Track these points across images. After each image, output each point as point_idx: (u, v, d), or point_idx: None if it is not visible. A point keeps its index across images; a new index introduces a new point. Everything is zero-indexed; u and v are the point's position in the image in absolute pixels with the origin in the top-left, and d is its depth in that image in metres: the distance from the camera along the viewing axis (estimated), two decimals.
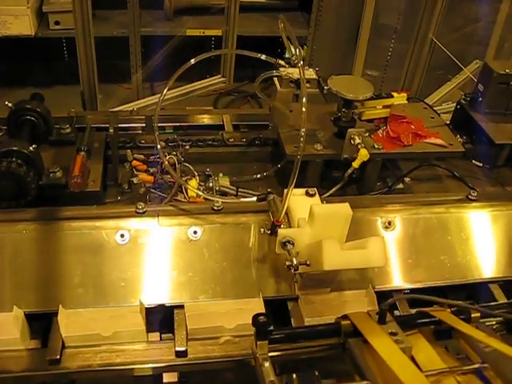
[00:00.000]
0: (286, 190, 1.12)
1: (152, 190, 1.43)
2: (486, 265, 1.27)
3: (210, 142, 1.58)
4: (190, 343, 1.07)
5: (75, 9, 2.36)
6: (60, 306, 1.07)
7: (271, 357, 0.93)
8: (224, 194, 1.44)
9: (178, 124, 1.66)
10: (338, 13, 3.41)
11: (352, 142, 1.40)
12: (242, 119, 1.74)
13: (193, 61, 1.28)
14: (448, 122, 1.66)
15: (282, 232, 1.09)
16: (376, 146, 1.45)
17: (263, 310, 1.10)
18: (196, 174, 1.47)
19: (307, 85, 1.35)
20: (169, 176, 1.43)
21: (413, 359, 0.91)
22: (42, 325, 1.10)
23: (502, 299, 1.22)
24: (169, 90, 1.27)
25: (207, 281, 1.16)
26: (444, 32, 3.01)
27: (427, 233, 1.28)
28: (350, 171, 1.43)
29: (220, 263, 1.18)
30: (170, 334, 1.11)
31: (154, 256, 1.17)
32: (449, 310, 1.02)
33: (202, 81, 3.52)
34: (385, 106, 1.53)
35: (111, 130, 1.42)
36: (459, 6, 3.18)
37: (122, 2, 3.20)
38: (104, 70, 2.78)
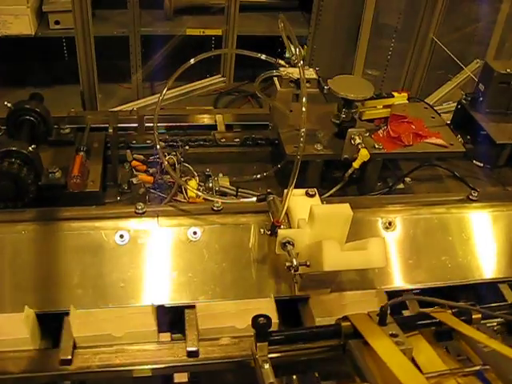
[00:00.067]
0: (285, 191, 1.12)
1: (151, 191, 1.43)
2: (487, 265, 1.27)
3: (202, 143, 1.57)
4: (201, 343, 1.07)
5: (75, 8, 2.36)
6: (71, 306, 1.07)
7: (271, 358, 0.93)
8: (224, 194, 1.44)
9: (170, 124, 1.65)
10: (338, 12, 3.41)
11: (352, 142, 1.40)
12: (241, 119, 1.73)
13: (192, 60, 1.28)
14: (449, 122, 1.66)
15: (282, 232, 1.09)
16: (376, 146, 1.44)
17: (274, 311, 1.10)
18: (196, 174, 1.47)
19: (307, 84, 1.35)
20: (168, 176, 1.43)
21: (413, 361, 0.91)
22: (40, 325, 1.09)
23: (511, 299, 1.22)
24: (169, 89, 1.26)
25: (207, 281, 1.15)
26: (444, 32, 3.01)
27: (428, 233, 1.27)
28: (350, 171, 1.43)
29: (220, 264, 1.17)
30: (180, 335, 1.11)
31: (153, 257, 1.17)
32: (449, 311, 1.02)
33: (202, 80, 3.52)
34: (385, 106, 1.53)
35: (110, 130, 1.41)
36: (460, 6, 3.17)
37: (121, 1, 3.20)
38: (104, 70, 2.78)
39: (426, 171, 1.58)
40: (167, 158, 1.43)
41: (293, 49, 1.36)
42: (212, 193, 1.42)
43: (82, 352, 1.04)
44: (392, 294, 1.16)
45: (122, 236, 1.16)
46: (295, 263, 1.04)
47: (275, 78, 1.47)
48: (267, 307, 1.11)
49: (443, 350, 1.00)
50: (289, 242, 1.08)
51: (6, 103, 1.38)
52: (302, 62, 1.23)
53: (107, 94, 3.22)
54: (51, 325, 1.09)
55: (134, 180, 1.44)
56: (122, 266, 1.15)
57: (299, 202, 1.16)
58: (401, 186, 1.54)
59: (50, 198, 1.28)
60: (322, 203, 1.19)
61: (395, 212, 1.29)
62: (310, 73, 1.43)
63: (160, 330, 1.10)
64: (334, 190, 1.46)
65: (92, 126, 1.51)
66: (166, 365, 1.05)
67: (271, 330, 0.94)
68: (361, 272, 1.18)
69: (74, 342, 1.04)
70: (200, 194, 1.35)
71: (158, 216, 1.21)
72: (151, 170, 1.47)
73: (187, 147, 1.52)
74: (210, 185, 1.44)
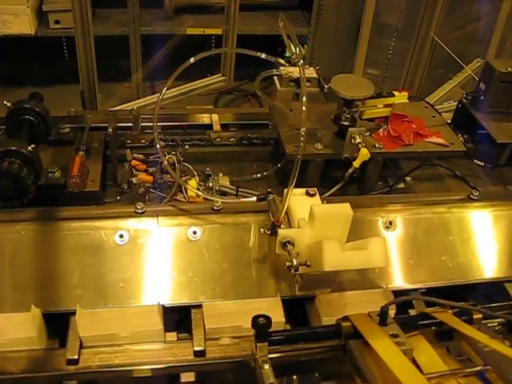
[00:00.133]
0: (286, 190, 1.11)
1: (151, 190, 1.42)
2: (488, 265, 1.26)
3: (196, 142, 1.56)
4: (208, 343, 1.07)
5: (74, 8, 2.35)
6: (78, 306, 1.07)
7: (271, 358, 0.92)
8: (224, 193, 1.43)
9: (167, 123, 1.64)
10: (338, 11, 3.40)
11: (353, 141, 1.39)
12: (240, 118, 1.73)
13: (192, 59, 1.27)
14: (449, 121, 1.65)
15: (282, 232, 1.09)
16: (377, 146, 1.44)
17: (281, 310, 1.09)
18: (195, 173, 1.46)
19: (307, 84, 1.34)
20: (168, 176, 1.43)
21: (414, 361, 0.90)
22: None
23: None
24: (169, 89, 1.26)
25: (207, 281, 1.15)
26: (445, 30, 3.00)
27: (428, 233, 1.27)
28: (350, 171, 1.43)
29: (220, 264, 1.17)
30: (186, 334, 1.11)
31: (153, 256, 1.17)
32: (450, 311, 1.01)
33: (203, 80, 3.52)
34: (386, 105, 1.52)
35: (110, 130, 1.41)
36: (460, 5, 3.17)
37: (121, 0, 3.20)
38: (104, 69, 2.78)
39: (426, 170, 1.57)
40: (167, 157, 1.42)
41: (293, 48, 1.36)
42: (212, 192, 1.42)
43: (88, 352, 1.04)
44: (395, 294, 1.16)
45: (121, 236, 1.16)
46: (295, 263, 1.03)
47: (275, 77, 1.46)
48: (274, 306, 1.10)
49: (444, 351, 1.00)
50: (289, 242, 1.08)
51: (5, 103, 1.38)
52: (302, 61, 1.23)
53: (107, 94, 3.21)
54: (51, 324, 1.09)
55: (134, 179, 1.44)
56: (122, 265, 1.14)
57: (299, 201, 1.16)
58: (401, 185, 1.54)
59: (50, 197, 1.28)
60: (323, 203, 1.19)
61: (396, 211, 1.29)
62: (310, 72, 1.42)
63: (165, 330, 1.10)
64: (335, 189, 1.46)
65: (92, 126, 1.51)
66: (172, 364, 1.04)
67: (271, 330, 0.93)
68: (361, 272, 1.18)
69: (80, 341, 1.04)
70: (200, 193, 1.35)
71: (157, 216, 1.21)
72: (151, 170, 1.46)
73: (187, 146, 1.52)
74: (210, 184, 1.44)
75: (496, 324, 1.07)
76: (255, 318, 0.92)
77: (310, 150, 1.41)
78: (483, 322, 1.01)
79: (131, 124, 1.60)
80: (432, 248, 1.25)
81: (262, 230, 1.19)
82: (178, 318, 1.14)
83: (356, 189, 1.52)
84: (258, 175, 1.51)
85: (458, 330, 0.97)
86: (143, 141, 1.54)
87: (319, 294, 1.15)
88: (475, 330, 0.97)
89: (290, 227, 1.13)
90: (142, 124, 1.61)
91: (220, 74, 3.59)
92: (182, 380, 1.04)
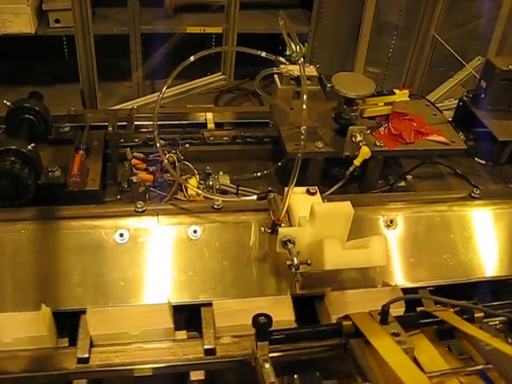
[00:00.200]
0: (286, 189, 1.11)
1: (152, 189, 1.42)
2: (489, 263, 1.26)
3: (190, 141, 1.55)
4: (218, 341, 1.07)
5: (74, 7, 2.35)
6: (88, 305, 1.07)
7: (272, 357, 0.92)
8: (224, 192, 1.43)
9: (162, 122, 1.63)
10: (338, 10, 3.40)
11: (353, 139, 1.39)
12: (239, 117, 1.72)
13: (192, 58, 1.26)
14: (450, 119, 1.65)
15: (283, 231, 1.08)
16: (378, 144, 1.44)
17: (291, 308, 1.09)
18: (196, 172, 1.46)
19: (308, 82, 1.34)
20: (168, 174, 1.42)
21: (415, 360, 0.90)
22: None
23: None
24: (169, 87, 1.25)
25: (207, 280, 1.15)
26: (446, 28, 3.00)
27: (429, 231, 1.27)
28: (351, 169, 1.42)
29: (220, 262, 1.17)
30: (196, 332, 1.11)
31: (153, 255, 1.16)
32: (452, 309, 1.01)
33: (203, 78, 3.52)
34: (386, 104, 1.52)
35: (110, 129, 1.41)
36: (461, 2, 3.17)
37: None
38: (104, 68, 2.78)
39: (427, 169, 1.57)
40: (167, 156, 1.42)
41: (293, 46, 1.36)
42: (212, 191, 1.41)
43: (98, 350, 1.04)
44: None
45: (121, 235, 1.16)
46: (296, 262, 1.03)
47: (276, 76, 1.46)
48: (284, 305, 1.10)
49: (445, 349, 1.00)
50: (289, 241, 1.07)
51: (5, 102, 1.38)
52: (302, 60, 1.22)
53: (107, 93, 3.21)
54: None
55: (134, 178, 1.43)
56: (122, 264, 1.14)
57: (300, 200, 1.16)
58: (402, 183, 1.53)
59: (50, 196, 1.28)
60: (323, 201, 1.18)
61: (397, 210, 1.28)
62: (311, 70, 1.42)
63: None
64: (335, 187, 1.45)
65: (92, 125, 1.51)
66: (182, 363, 1.04)
67: (272, 329, 0.93)
68: (362, 270, 1.18)
69: (90, 340, 1.04)
70: (200, 192, 1.34)
71: (158, 214, 1.20)
72: (151, 169, 1.46)
73: (187, 145, 1.51)
74: (211, 183, 1.44)
75: (498, 322, 1.07)
76: (256, 317, 0.92)
77: (310, 148, 1.41)
78: (485, 320, 1.01)
79: (139, 123, 1.60)
80: (433, 246, 1.25)
81: (262, 228, 1.18)
82: (187, 317, 1.14)
83: (357, 187, 1.51)
84: (259, 174, 1.51)
85: (460, 329, 0.97)
86: (136, 139, 1.53)
87: (328, 292, 1.15)
88: (477, 328, 0.97)
89: (291, 226, 1.13)
90: (142, 123, 1.61)
91: (220, 73, 3.59)
92: (192, 378, 1.04)
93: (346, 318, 0.97)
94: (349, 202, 1.08)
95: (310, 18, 3.45)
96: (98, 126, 1.52)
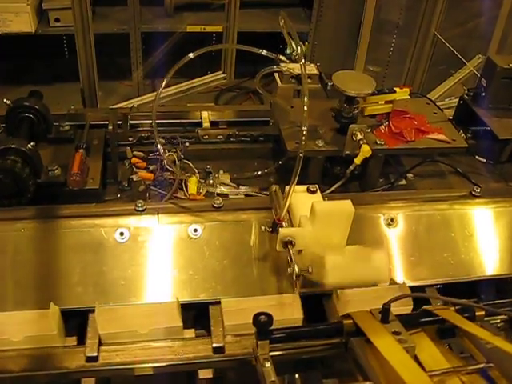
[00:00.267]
0: (287, 187, 1.11)
1: (152, 188, 1.42)
2: (490, 262, 1.26)
3: (185, 140, 1.55)
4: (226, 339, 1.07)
5: (74, 6, 2.35)
6: (97, 303, 1.06)
7: (272, 356, 0.92)
8: None
9: (158, 121, 1.62)
10: (339, 8, 3.40)
11: (354, 137, 1.39)
12: (240, 116, 1.72)
13: (191, 55, 1.26)
14: (451, 118, 1.65)
15: (283, 232, 1.08)
16: (378, 142, 1.43)
17: (299, 306, 1.09)
18: (196, 171, 1.46)
19: (308, 80, 1.34)
20: (169, 173, 1.42)
21: (416, 359, 0.90)
22: None
23: None
24: (169, 86, 1.25)
25: (208, 279, 1.15)
26: (446, 27, 3.00)
27: (430, 230, 1.26)
28: (351, 167, 1.42)
29: (221, 261, 1.17)
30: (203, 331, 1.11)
31: (153, 254, 1.16)
32: (452, 308, 1.01)
33: (203, 77, 3.51)
34: (387, 102, 1.52)
35: (110, 127, 1.41)
36: (461, 1, 3.16)
37: None
38: (104, 67, 2.78)
39: (428, 167, 1.57)
40: (167, 154, 1.42)
41: (294, 45, 1.35)
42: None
43: (107, 349, 1.04)
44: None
45: (122, 234, 1.16)
46: (297, 270, 1.03)
47: (276, 74, 1.45)
48: (292, 303, 1.10)
49: (446, 348, 0.99)
50: (290, 242, 1.07)
51: (4, 100, 1.38)
52: (303, 60, 1.22)
53: (108, 92, 3.21)
54: None
55: (134, 177, 1.43)
56: (123, 263, 1.14)
57: (301, 198, 1.15)
58: (403, 182, 1.53)
59: (50, 195, 1.28)
60: (324, 200, 1.18)
61: (397, 208, 1.28)
62: (311, 68, 1.42)
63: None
64: (336, 186, 1.45)
65: (92, 124, 1.51)
66: (192, 361, 1.04)
67: (272, 327, 0.93)
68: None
69: (99, 338, 1.04)
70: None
71: (158, 213, 1.20)
72: (151, 167, 1.46)
73: (187, 144, 1.51)
74: (211, 182, 1.43)
75: (499, 321, 1.06)
76: (256, 316, 0.92)
77: (311, 146, 1.40)
78: (486, 318, 1.01)
79: (131, 121, 1.60)
80: (434, 245, 1.25)
81: (263, 227, 1.18)
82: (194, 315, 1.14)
83: (357, 186, 1.51)
84: (259, 172, 1.51)
85: (461, 327, 0.96)
86: (131, 138, 1.53)
87: (337, 290, 1.13)
88: (478, 327, 0.96)
89: (291, 224, 1.13)
90: (139, 122, 1.60)
91: (221, 72, 3.58)
92: (200, 376, 1.04)
93: (347, 316, 0.97)
94: (349, 201, 1.08)
95: (311, 17, 3.45)
96: (98, 125, 1.52)
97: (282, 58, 1.41)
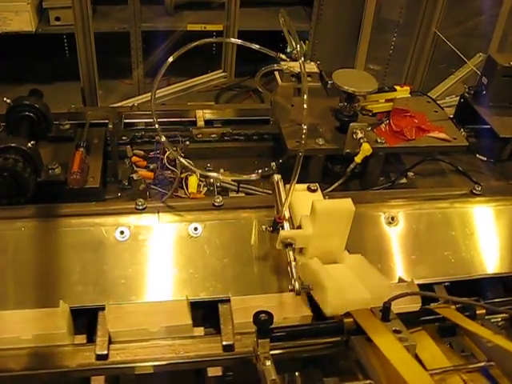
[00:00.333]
0: (288, 186, 1.10)
1: (152, 186, 1.42)
2: (491, 260, 1.26)
3: (178, 138, 1.54)
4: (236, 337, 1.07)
5: (74, 5, 2.35)
6: (106, 301, 1.07)
7: (273, 355, 0.92)
8: (225, 189, 1.43)
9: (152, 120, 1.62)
10: (339, 7, 3.39)
11: (354, 136, 1.38)
12: (242, 114, 1.72)
13: (171, 59, 1.25)
14: (451, 116, 1.64)
15: (283, 234, 1.08)
16: (379, 141, 1.43)
17: (306, 304, 1.09)
18: (196, 169, 1.45)
19: (309, 78, 1.34)
20: (169, 172, 1.42)
21: (417, 357, 0.90)
22: None
23: None
24: (170, 85, 1.25)
25: (208, 277, 1.15)
26: (447, 25, 2.99)
27: (431, 228, 1.26)
28: (352, 166, 1.42)
29: (221, 260, 1.17)
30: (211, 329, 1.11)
31: (154, 253, 1.16)
32: (453, 306, 1.01)
33: (203, 76, 3.51)
34: (387, 100, 1.52)
35: (110, 126, 1.40)
36: (462, 0, 3.16)
37: None
38: (105, 66, 2.77)
39: (428, 165, 1.56)
40: (168, 153, 1.41)
41: (294, 44, 1.35)
42: (213, 188, 1.41)
43: (117, 347, 1.04)
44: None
45: (122, 232, 1.16)
46: (298, 287, 1.03)
47: (276, 73, 1.45)
48: (300, 301, 1.09)
49: (447, 346, 0.99)
50: (290, 244, 1.07)
51: (5, 99, 1.38)
52: (302, 59, 1.22)
53: (108, 91, 3.21)
54: None
55: (135, 176, 1.43)
56: (123, 262, 1.14)
57: (301, 197, 1.15)
58: (403, 180, 1.53)
59: (50, 194, 1.27)
60: (324, 198, 1.18)
61: (398, 207, 1.28)
62: (312, 66, 1.42)
63: None
64: (336, 184, 1.45)
65: (92, 122, 1.50)
66: (203, 359, 1.04)
67: (273, 326, 0.93)
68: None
69: (109, 336, 1.04)
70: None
71: (158, 212, 1.20)
72: (152, 166, 1.46)
73: (188, 142, 1.51)
74: (211, 180, 1.43)
75: (499, 319, 1.06)
76: (257, 315, 0.92)
77: (311, 145, 1.40)
78: (486, 317, 1.01)
79: (132, 120, 1.60)
80: (434, 243, 1.25)
81: (263, 227, 1.18)
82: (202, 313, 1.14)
83: (358, 184, 1.51)
84: (259, 171, 1.50)
85: (461, 326, 0.96)
86: (124, 137, 1.52)
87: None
88: (478, 325, 0.96)
89: (292, 223, 1.12)
90: (140, 120, 1.60)
91: (221, 70, 3.58)
92: (209, 374, 1.04)
93: (347, 315, 0.97)
94: (350, 199, 1.08)
95: (311, 16, 3.44)
96: (98, 124, 1.51)
97: (283, 56, 1.41)
